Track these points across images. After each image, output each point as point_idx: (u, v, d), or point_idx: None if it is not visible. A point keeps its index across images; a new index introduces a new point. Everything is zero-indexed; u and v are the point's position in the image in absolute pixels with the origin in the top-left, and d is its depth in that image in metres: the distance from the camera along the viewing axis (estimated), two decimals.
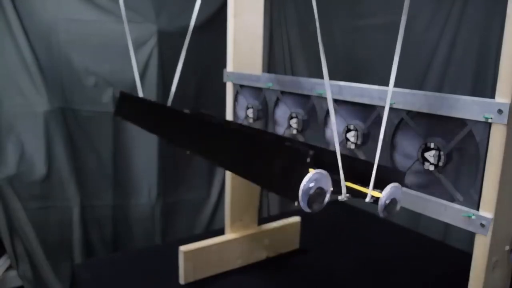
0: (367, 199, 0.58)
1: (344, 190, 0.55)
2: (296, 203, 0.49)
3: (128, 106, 0.99)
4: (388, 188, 0.57)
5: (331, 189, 0.51)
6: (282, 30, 1.88)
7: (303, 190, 0.48)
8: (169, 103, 0.99)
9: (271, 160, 0.55)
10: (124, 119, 1.02)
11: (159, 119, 0.89)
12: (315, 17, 0.54)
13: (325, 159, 0.63)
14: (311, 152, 0.48)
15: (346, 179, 0.56)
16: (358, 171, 0.62)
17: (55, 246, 1.63)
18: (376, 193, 0.58)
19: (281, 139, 0.67)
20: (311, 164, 0.49)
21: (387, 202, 0.58)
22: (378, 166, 0.57)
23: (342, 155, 0.55)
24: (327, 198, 0.51)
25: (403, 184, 0.60)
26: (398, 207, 0.60)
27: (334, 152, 0.55)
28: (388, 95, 0.58)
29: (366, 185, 0.58)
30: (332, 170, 0.54)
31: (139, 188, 1.75)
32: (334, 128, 0.58)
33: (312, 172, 0.49)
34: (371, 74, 1.53)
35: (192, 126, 0.77)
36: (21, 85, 1.52)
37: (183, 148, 0.77)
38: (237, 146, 0.63)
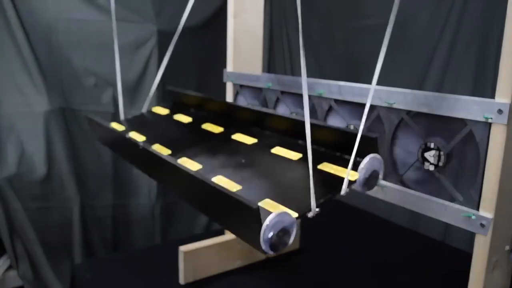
0: (343, 192, 0.55)
1: (313, 204, 0.53)
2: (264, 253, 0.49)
3: (99, 131, 0.99)
4: (364, 163, 0.55)
5: (295, 223, 0.50)
6: (282, 30, 1.88)
7: (263, 240, 0.48)
8: (144, 108, 1.01)
9: (228, 215, 0.54)
10: (104, 145, 1.03)
11: (125, 151, 0.89)
12: (298, 17, 0.53)
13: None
14: (257, 205, 0.46)
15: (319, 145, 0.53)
16: (328, 140, 0.60)
17: (55, 246, 1.62)
18: (353, 175, 0.56)
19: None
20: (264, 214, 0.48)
21: (367, 176, 0.56)
22: (347, 133, 0.55)
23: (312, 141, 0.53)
24: (293, 233, 0.50)
25: (378, 151, 0.58)
26: (380, 178, 0.58)
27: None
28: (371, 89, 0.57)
29: (343, 153, 0.55)
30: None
31: (139, 188, 1.74)
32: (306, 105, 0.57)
33: (269, 218, 0.48)
34: (371, 74, 1.53)
35: (151, 162, 0.74)
36: (21, 85, 1.52)
37: (155, 180, 0.75)
38: (201, 195, 0.60)
